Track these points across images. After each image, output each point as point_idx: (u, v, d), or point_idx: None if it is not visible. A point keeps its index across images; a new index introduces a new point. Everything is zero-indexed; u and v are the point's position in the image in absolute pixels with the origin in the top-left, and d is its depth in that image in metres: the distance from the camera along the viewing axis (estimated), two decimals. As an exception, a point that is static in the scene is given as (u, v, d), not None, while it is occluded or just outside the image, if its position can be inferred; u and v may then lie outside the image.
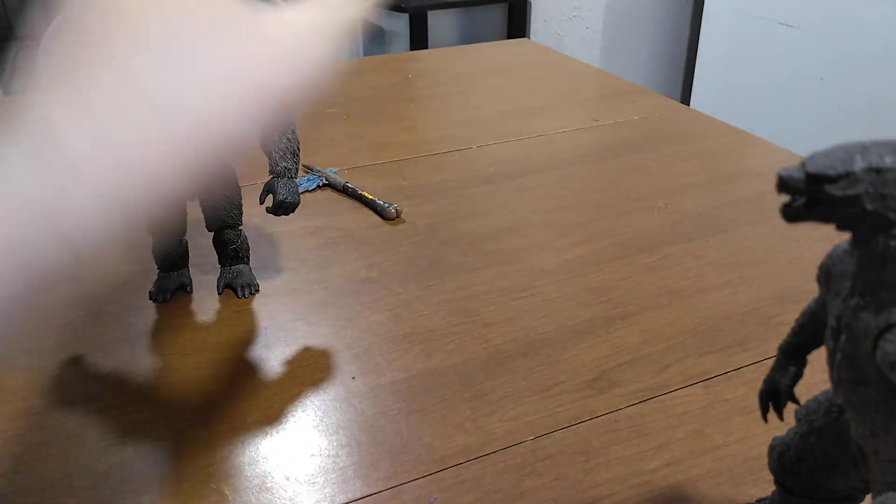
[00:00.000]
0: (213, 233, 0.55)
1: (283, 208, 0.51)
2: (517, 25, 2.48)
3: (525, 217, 0.67)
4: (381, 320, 0.53)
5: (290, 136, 0.51)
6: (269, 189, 0.51)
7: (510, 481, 0.40)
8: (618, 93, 1.00)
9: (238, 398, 0.46)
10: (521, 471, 0.41)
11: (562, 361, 0.49)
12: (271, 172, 0.51)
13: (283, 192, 0.51)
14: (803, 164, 0.22)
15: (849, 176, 0.20)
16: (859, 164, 0.20)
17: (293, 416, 0.45)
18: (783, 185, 0.22)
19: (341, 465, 0.41)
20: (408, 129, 0.88)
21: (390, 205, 0.67)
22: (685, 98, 2.29)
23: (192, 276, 0.57)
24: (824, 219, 0.23)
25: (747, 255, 0.61)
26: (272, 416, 0.45)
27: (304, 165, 0.75)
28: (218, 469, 0.41)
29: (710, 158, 0.79)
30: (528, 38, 2.41)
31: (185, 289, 0.56)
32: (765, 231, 0.65)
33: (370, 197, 0.69)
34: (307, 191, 0.71)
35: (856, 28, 1.58)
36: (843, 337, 0.26)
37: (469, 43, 2.02)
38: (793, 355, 0.31)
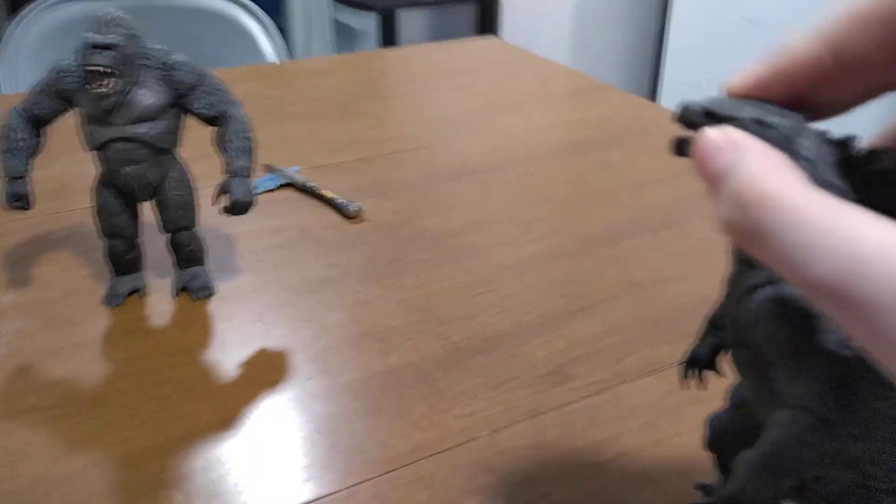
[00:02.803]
0: (168, 234, 0.54)
1: (237, 208, 0.50)
2: (488, 24, 2.48)
3: (488, 213, 0.67)
4: (339, 320, 0.53)
5: (245, 135, 0.51)
6: (223, 188, 0.51)
7: (464, 478, 0.40)
8: (584, 90, 1.00)
9: (191, 402, 0.45)
10: (475, 466, 0.41)
11: (517, 356, 0.49)
12: (226, 172, 0.50)
13: (237, 191, 0.50)
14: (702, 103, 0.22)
15: (735, 120, 0.21)
16: (748, 113, 0.21)
17: (247, 418, 0.44)
18: (683, 114, 0.22)
19: (297, 466, 0.41)
20: (373, 126, 0.87)
21: (350, 203, 0.66)
22: (653, 95, 2.31)
23: (147, 280, 0.56)
24: None
25: (704, 247, 0.62)
26: (226, 420, 0.44)
27: (265, 164, 0.74)
28: (169, 475, 0.40)
29: (673, 152, 0.80)
30: (499, 36, 2.41)
31: (139, 292, 0.55)
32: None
33: (330, 195, 0.68)
34: (268, 190, 0.71)
35: (820, 22, 1.59)
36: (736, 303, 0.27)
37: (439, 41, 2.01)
38: (714, 324, 0.32)
